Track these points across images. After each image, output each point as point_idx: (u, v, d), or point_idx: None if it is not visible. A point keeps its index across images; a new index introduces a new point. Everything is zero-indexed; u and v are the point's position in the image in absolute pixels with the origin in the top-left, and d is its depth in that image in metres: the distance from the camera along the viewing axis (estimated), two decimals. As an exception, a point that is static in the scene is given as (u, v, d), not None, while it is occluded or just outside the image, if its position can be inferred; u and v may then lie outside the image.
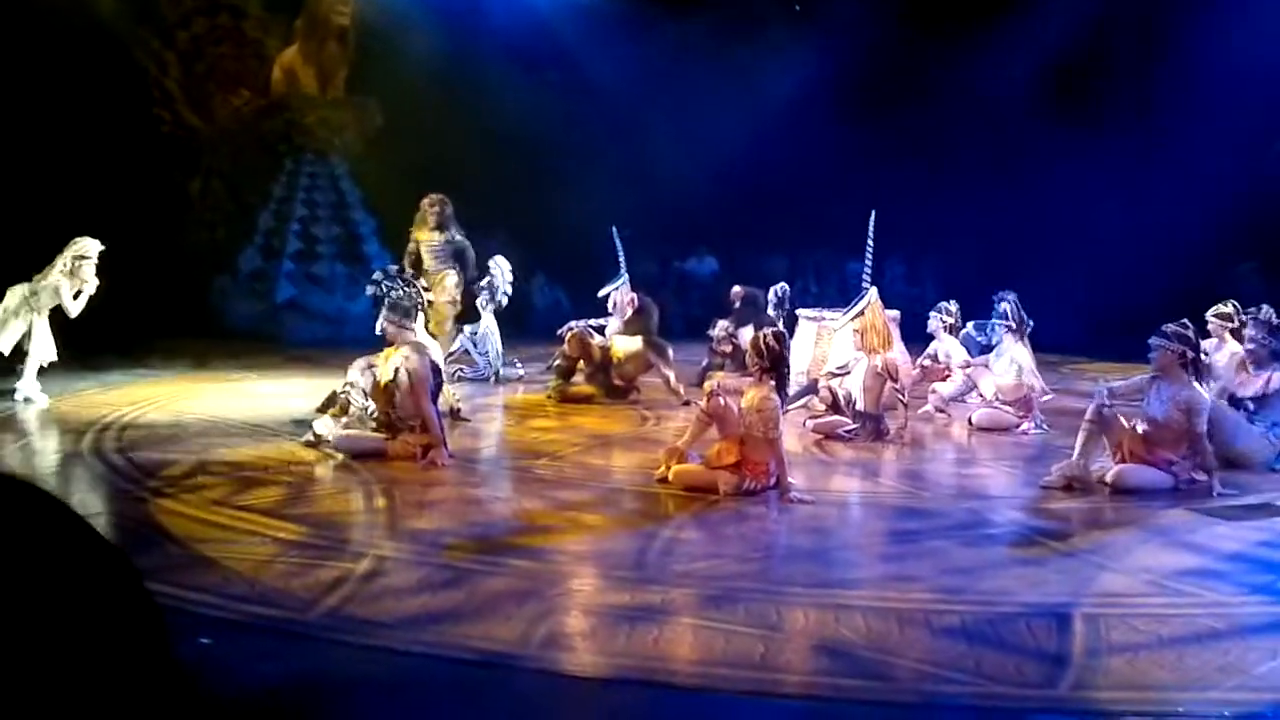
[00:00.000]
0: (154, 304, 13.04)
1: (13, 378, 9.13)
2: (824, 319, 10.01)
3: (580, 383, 10.09)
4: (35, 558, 1.17)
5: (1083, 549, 5.47)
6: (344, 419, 7.64)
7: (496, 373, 11.07)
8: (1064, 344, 12.39)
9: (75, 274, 9.31)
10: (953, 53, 15.29)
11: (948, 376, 9.72)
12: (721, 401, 6.73)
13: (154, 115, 15.31)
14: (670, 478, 6.63)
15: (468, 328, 11.18)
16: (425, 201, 11.17)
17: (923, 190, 15.25)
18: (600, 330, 10.24)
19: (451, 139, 14.72)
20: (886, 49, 15.72)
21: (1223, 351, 8.77)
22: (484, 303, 11.06)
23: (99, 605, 1.19)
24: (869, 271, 8.70)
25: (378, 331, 7.64)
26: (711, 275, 17.40)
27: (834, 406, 8.63)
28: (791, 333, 9.52)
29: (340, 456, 7.18)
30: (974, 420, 8.97)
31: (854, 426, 8.34)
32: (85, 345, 9.98)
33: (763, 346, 6.59)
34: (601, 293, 10.50)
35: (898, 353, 8.78)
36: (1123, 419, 6.90)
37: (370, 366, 7.60)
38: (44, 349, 9.26)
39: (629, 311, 10.22)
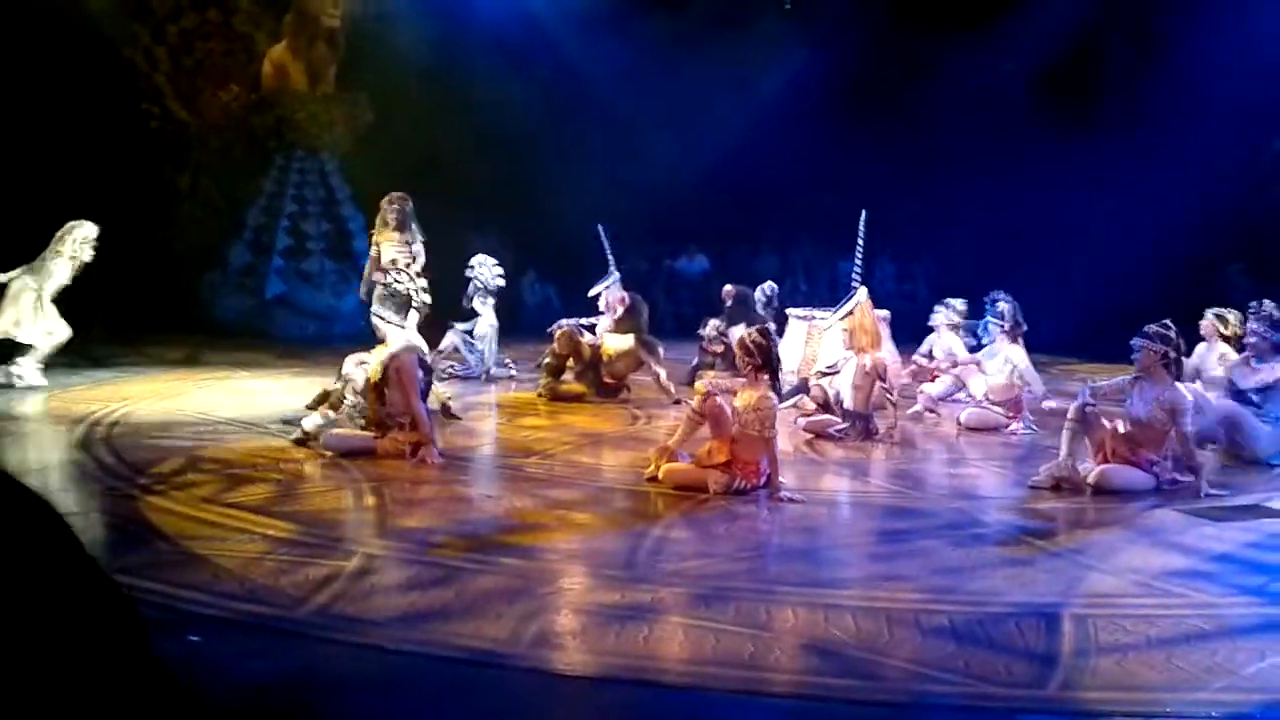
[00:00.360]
0: (143, 300, 13.01)
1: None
2: (814, 318, 10.02)
3: (570, 381, 10.08)
4: (8, 553, 1.16)
5: (1071, 549, 5.49)
6: (334, 415, 7.63)
7: (487, 371, 11.05)
8: (1053, 344, 12.42)
9: (75, 258, 9.59)
10: (945, 51, 15.31)
11: (936, 377, 9.73)
12: (718, 401, 6.72)
13: (143, 110, 15.24)
14: (660, 476, 6.63)
15: (460, 325, 11.16)
16: (385, 201, 10.78)
17: (914, 189, 15.28)
18: (590, 329, 10.24)
19: (442, 136, 14.71)
20: (878, 47, 15.75)
21: (1212, 352, 8.84)
22: (480, 301, 11.04)
23: (72, 602, 1.18)
24: (859, 271, 8.71)
25: (374, 325, 7.66)
26: (702, 273, 17.40)
27: (824, 406, 8.65)
28: (781, 332, 9.53)
29: (329, 454, 7.17)
30: (963, 420, 8.99)
31: (844, 425, 8.36)
32: (74, 341, 9.94)
33: (750, 345, 6.58)
34: (592, 291, 10.49)
35: (887, 353, 8.80)
36: (1104, 420, 6.93)
37: (363, 363, 7.59)
38: (58, 331, 9.67)
39: (620, 310, 10.22)
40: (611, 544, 5.40)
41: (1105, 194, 14.85)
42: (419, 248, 10.58)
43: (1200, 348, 8.91)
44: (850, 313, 8.58)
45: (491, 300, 11.07)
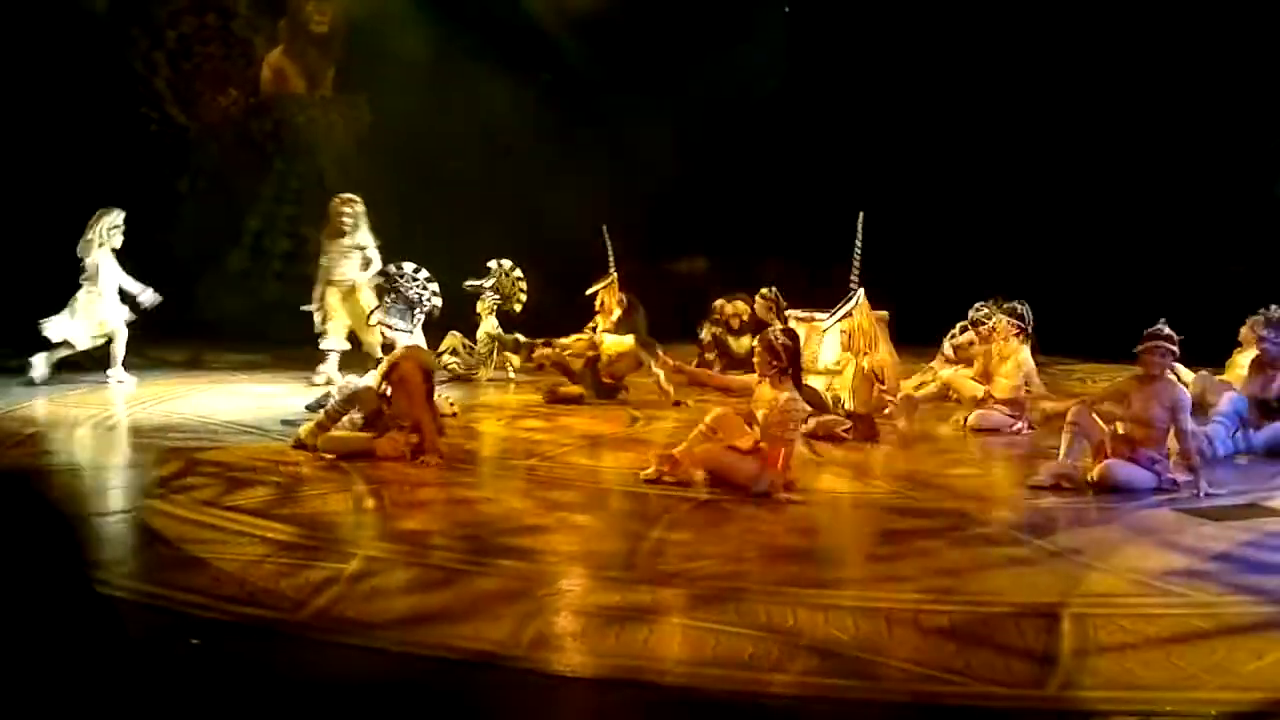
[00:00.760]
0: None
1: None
2: (815, 319, 10.02)
3: (568, 383, 10.09)
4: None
5: (1071, 549, 5.49)
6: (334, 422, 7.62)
7: (485, 373, 11.06)
8: (1054, 344, 12.40)
9: (104, 244, 9.75)
10: (946, 48, 15.30)
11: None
12: (729, 412, 6.66)
13: (142, 115, 15.24)
14: (690, 455, 6.58)
15: (455, 335, 11.14)
16: (335, 201, 10.47)
17: (912, 189, 15.25)
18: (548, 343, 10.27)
19: (441, 138, 14.70)
20: (877, 46, 15.75)
21: (1244, 356, 9.00)
22: (490, 304, 11.05)
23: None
24: (857, 273, 8.69)
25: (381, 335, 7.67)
26: (701, 276, 17.37)
27: (819, 406, 8.65)
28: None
29: (329, 457, 7.16)
30: (969, 421, 8.99)
31: (849, 426, 8.39)
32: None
33: (778, 347, 6.59)
34: (589, 291, 10.50)
35: (885, 354, 8.80)
36: (1101, 422, 6.94)
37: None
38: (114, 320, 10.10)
39: (618, 311, 10.24)
40: (611, 545, 5.40)
41: (1104, 192, 14.80)
42: (373, 253, 10.30)
43: (1238, 355, 9.07)
44: (849, 314, 8.58)
45: (496, 304, 11.09)
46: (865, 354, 8.43)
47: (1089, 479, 6.67)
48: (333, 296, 10.34)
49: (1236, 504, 6.48)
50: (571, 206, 13.19)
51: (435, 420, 7.28)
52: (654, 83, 15.63)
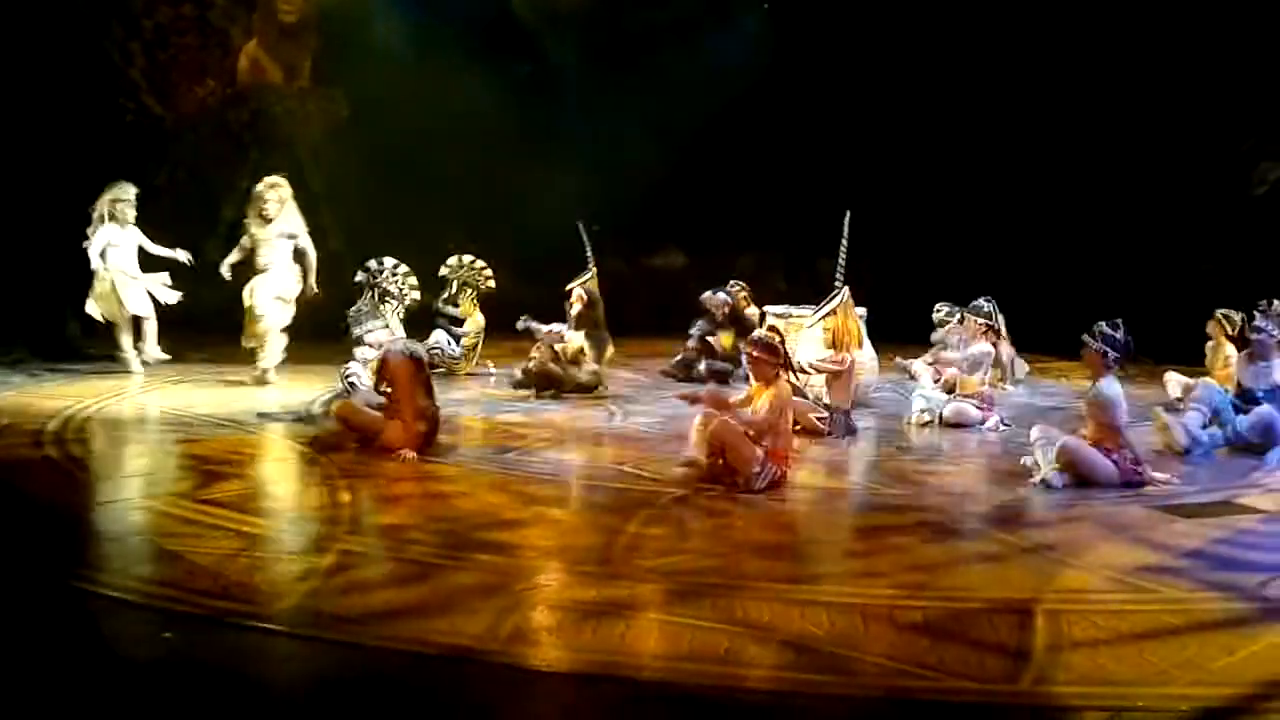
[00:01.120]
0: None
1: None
2: (792, 317, 10.04)
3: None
4: None
5: (1044, 545, 5.52)
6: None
7: (466, 368, 11.06)
8: (1029, 342, 12.47)
9: (115, 218, 9.48)
10: (928, 42, 15.35)
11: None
12: (725, 421, 6.61)
13: (119, 105, 15.14)
14: (710, 429, 6.51)
15: (445, 306, 11.17)
16: (262, 185, 9.87)
17: (895, 186, 15.30)
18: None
19: (417, 130, 14.64)
20: (857, 41, 15.79)
21: (1216, 353, 9.05)
22: (469, 298, 11.08)
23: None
24: (841, 270, 8.72)
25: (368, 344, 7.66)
26: (678, 271, 17.38)
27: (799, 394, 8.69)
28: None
29: (307, 449, 7.14)
30: (944, 414, 9.03)
31: (824, 416, 8.43)
32: (47, 337, 9.89)
33: (776, 346, 6.64)
34: (569, 286, 10.48)
35: (866, 352, 8.86)
36: (1064, 433, 7.02)
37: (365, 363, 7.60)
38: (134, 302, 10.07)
39: (578, 307, 10.22)
40: (588, 540, 5.40)
41: (1077, 191, 14.89)
42: (305, 241, 9.83)
43: (1209, 349, 9.15)
44: (832, 312, 8.61)
45: (475, 298, 11.12)
46: (848, 351, 8.51)
47: (1052, 460, 6.75)
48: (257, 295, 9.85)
49: (1209, 501, 6.53)
50: (550, 199, 13.21)
51: (426, 411, 7.25)
52: (632, 75, 15.63)
